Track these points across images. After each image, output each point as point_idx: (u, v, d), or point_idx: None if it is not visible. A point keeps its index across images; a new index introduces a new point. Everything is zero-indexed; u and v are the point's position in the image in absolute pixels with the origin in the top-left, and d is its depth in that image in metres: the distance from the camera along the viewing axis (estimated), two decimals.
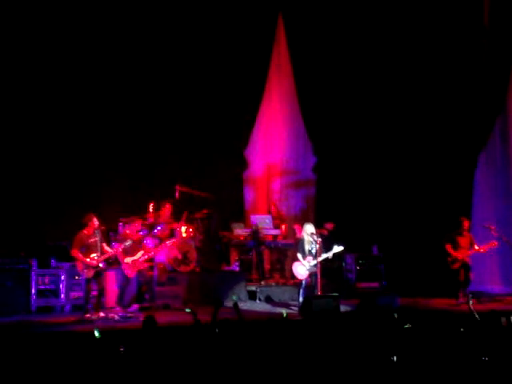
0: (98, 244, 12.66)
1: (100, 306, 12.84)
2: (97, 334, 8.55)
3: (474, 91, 16.38)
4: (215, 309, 9.01)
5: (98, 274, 12.73)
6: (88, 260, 12.51)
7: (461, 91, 16.32)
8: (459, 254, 14.59)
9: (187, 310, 8.86)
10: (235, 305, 9.23)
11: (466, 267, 14.67)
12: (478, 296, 14.62)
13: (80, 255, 12.53)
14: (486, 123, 16.58)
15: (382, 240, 16.11)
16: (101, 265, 12.64)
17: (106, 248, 12.84)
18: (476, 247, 14.70)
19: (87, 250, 12.59)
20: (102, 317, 12.47)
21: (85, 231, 12.65)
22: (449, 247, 14.68)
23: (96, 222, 12.67)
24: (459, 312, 11.70)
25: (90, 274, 12.60)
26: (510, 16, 16.13)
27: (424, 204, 16.38)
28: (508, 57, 16.33)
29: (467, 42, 16.23)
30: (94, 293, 12.94)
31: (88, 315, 12.42)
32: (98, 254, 12.60)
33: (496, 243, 14.71)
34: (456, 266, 14.64)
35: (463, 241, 14.70)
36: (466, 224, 14.80)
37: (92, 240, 12.62)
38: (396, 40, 16.35)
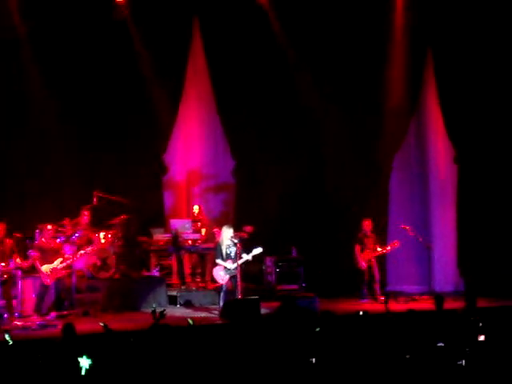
0: (5, 253, 12.53)
1: (11, 314, 12.67)
2: (8, 338, 8.41)
3: (388, 93, 16.71)
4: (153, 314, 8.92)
5: (4, 283, 12.50)
6: None
7: (377, 92, 16.62)
8: (365, 255, 15.00)
9: (101, 324, 8.77)
10: (153, 311, 9.18)
11: (371, 268, 15.08)
12: (396, 296, 14.99)
13: None
14: (400, 125, 16.91)
15: (300, 242, 16.26)
16: (5, 276, 12.45)
17: (17, 260, 12.68)
18: (378, 249, 15.17)
19: None
20: (17, 326, 12.29)
21: None
22: (357, 249, 15.11)
23: (1, 231, 12.57)
24: (376, 312, 11.85)
25: None
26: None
27: (341, 206, 16.61)
28: (422, 56, 16.67)
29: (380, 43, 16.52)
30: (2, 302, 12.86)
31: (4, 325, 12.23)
32: (4, 264, 12.42)
33: (398, 243, 15.18)
34: (362, 266, 15.06)
35: (369, 241, 15.15)
36: (367, 225, 15.22)
37: None
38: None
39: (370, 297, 15.04)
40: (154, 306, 10.18)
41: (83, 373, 7.42)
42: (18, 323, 12.36)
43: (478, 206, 16.33)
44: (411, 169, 17.19)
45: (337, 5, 16.29)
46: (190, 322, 9.56)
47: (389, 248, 15.30)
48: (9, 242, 12.76)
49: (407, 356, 7.62)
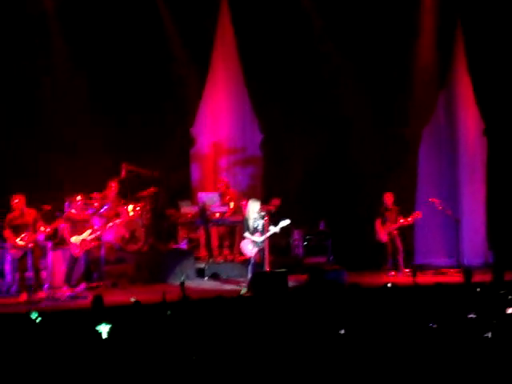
0: (29, 224, 12.64)
1: (39, 285, 12.82)
2: (34, 316, 8.48)
3: (418, 67, 16.56)
4: (182, 286, 8.97)
5: (30, 254, 12.65)
6: (17, 241, 12.56)
7: (406, 66, 16.47)
8: (386, 228, 14.96)
9: (132, 300, 8.84)
10: (182, 284, 9.24)
11: (393, 241, 15.05)
12: (424, 268, 14.96)
13: (8, 236, 12.67)
14: (429, 98, 16.76)
15: (328, 215, 16.24)
16: (30, 245, 12.57)
17: (41, 228, 12.77)
18: (401, 220, 15.11)
19: (15, 230, 12.66)
20: (43, 297, 12.43)
21: (13, 212, 12.76)
22: (378, 223, 15.08)
23: (17, 201, 12.69)
24: (404, 284, 11.82)
25: (18, 254, 12.67)
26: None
27: (369, 179, 16.55)
28: (452, 28, 16.49)
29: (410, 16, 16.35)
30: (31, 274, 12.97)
31: (24, 297, 12.40)
32: (28, 235, 12.54)
33: (420, 213, 15.14)
34: (384, 239, 15.05)
35: (390, 215, 15.12)
36: (388, 198, 15.18)
37: (19, 221, 12.67)
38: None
39: (394, 269, 15.01)
40: (182, 278, 10.22)
41: (104, 337, 7.52)
42: (43, 295, 12.51)
43: (508, 178, 16.21)
44: (440, 142, 17.06)
45: None
46: (243, 291, 9.52)
47: (410, 219, 15.22)
48: (31, 212, 12.85)
49: (434, 325, 7.60)
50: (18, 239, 12.58)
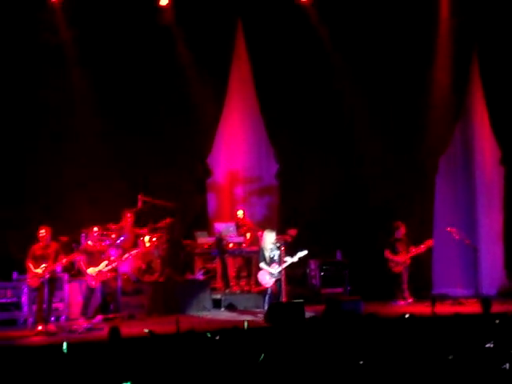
0: (50, 255, 12.68)
1: (48, 316, 12.80)
2: (65, 347, 8.48)
3: (434, 96, 16.56)
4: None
5: (47, 285, 12.64)
6: (36, 270, 12.58)
7: (422, 95, 16.47)
8: (400, 258, 14.91)
9: (146, 331, 8.84)
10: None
11: (406, 270, 15.00)
12: (442, 299, 14.85)
13: (30, 265, 12.68)
14: (446, 128, 16.74)
15: (345, 245, 16.19)
16: (47, 275, 12.58)
17: (63, 260, 12.82)
18: (413, 249, 15.05)
19: (36, 261, 12.68)
20: (54, 329, 12.43)
21: (37, 243, 12.80)
22: (387, 253, 15.03)
23: (43, 233, 12.74)
24: (422, 315, 11.71)
25: (35, 283, 12.65)
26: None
27: (386, 209, 16.50)
28: (467, 58, 16.50)
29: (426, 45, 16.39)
30: (55, 305, 13.13)
31: (40, 327, 12.37)
32: (48, 265, 12.58)
33: (432, 241, 15.07)
34: (398, 269, 15.00)
35: (401, 245, 15.09)
36: (402, 229, 15.13)
37: (41, 252, 12.72)
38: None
39: (400, 299, 14.94)
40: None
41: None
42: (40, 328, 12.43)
43: None
44: (457, 171, 17.01)
45: (381, 5, 16.17)
46: (246, 324, 9.47)
47: (423, 247, 15.16)
48: (54, 245, 12.92)
49: (450, 357, 7.53)
50: (38, 269, 12.61)
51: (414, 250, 15.15)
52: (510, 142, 16.38)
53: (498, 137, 16.49)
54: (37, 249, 12.77)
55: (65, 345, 8.51)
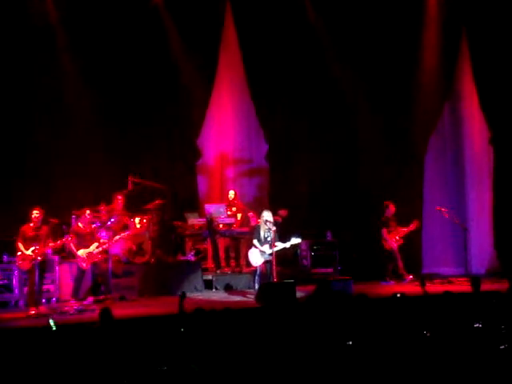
0: (41, 238, 12.64)
1: (39, 299, 12.77)
2: (52, 324, 8.49)
3: (422, 76, 16.57)
4: (181, 300, 8.98)
5: (38, 267, 12.60)
6: (26, 252, 12.53)
7: (411, 76, 16.47)
8: (393, 237, 14.98)
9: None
10: (181, 297, 9.22)
11: (399, 249, 15.09)
12: (431, 278, 14.92)
13: (20, 247, 12.62)
14: (435, 108, 16.76)
15: (335, 226, 16.22)
16: (39, 258, 12.56)
17: (50, 244, 12.79)
18: (402, 229, 15.13)
19: (27, 242, 12.61)
20: (45, 311, 12.43)
21: (28, 224, 12.71)
22: (385, 232, 15.09)
23: (37, 214, 12.67)
24: (412, 294, 11.77)
25: (26, 266, 12.59)
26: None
27: (376, 189, 16.54)
28: (456, 38, 16.50)
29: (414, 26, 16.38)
30: (46, 286, 13.16)
31: (33, 311, 12.34)
32: (39, 248, 12.56)
33: (417, 222, 15.09)
34: (391, 247, 15.05)
35: (392, 224, 15.13)
36: (392, 208, 15.18)
37: (33, 233, 12.66)
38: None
39: (395, 278, 15.01)
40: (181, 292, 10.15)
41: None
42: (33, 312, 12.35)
43: None
44: (446, 151, 17.07)
45: None
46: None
47: (411, 227, 15.23)
48: (45, 227, 12.88)
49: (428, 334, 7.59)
50: (29, 251, 12.58)
51: (404, 230, 15.22)
52: (499, 122, 16.40)
53: (487, 117, 16.52)
54: (28, 230, 12.70)
55: (51, 322, 8.53)
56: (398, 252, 15.19)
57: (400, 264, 15.16)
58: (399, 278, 15.03)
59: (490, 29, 16.03)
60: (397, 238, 15.18)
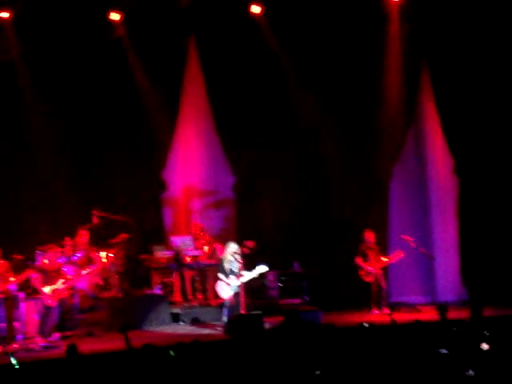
0: (1, 275, 12.56)
1: (13, 336, 12.66)
2: (14, 362, 8.39)
3: (386, 105, 16.74)
4: (125, 334, 8.92)
5: (3, 304, 12.53)
6: None
7: (375, 104, 16.65)
8: (371, 267, 14.98)
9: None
10: (124, 331, 9.17)
11: (378, 279, 15.04)
12: (399, 307, 14.96)
13: None
14: (399, 136, 16.90)
15: (302, 257, 16.24)
16: (1, 296, 12.48)
17: (11, 278, 12.68)
18: (383, 259, 15.13)
19: None
20: (17, 348, 12.25)
21: None
22: (359, 260, 15.09)
23: None
24: (381, 324, 11.78)
25: None
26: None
27: (342, 218, 16.61)
28: (418, 66, 16.70)
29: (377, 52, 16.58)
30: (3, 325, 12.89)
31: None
32: None
33: (401, 252, 15.11)
34: (370, 278, 15.04)
35: (372, 253, 15.13)
36: (370, 236, 15.20)
37: None
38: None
39: (379, 308, 14.95)
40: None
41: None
42: (16, 346, 12.28)
43: (479, 215, 16.29)
44: (411, 179, 17.16)
45: (331, 16, 16.31)
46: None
47: (393, 258, 15.23)
48: (4, 263, 12.77)
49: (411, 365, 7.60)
50: None
51: (385, 261, 15.20)
52: (462, 151, 16.56)
53: (451, 146, 16.68)
54: None
55: (13, 359, 8.44)
56: (378, 283, 15.11)
57: (383, 295, 15.07)
58: (380, 308, 14.92)
59: (451, 59, 16.23)
60: (377, 268, 15.10)
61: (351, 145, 16.74)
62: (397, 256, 15.20)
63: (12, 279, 12.64)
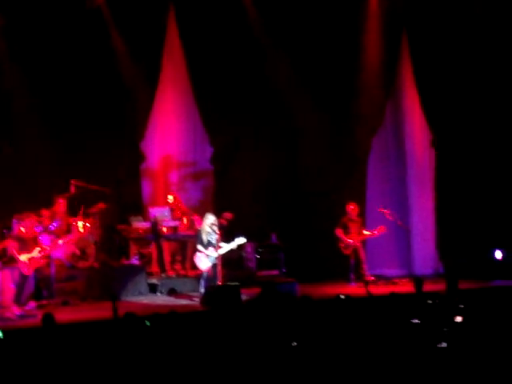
0: None
1: None
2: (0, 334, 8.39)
3: (364, 76, 16.72)
4: (113, 303, 8.96)
5: None
6: None
7: (353, 76, 16.61)
8: (351, 239, 15.04)
9: None
10: (113, 300, 9.22)
11: (357, 252, 15.12)
12: (376, 279, 15.06)
13: None
14: (377, 109, 16.90)
15: (280, 228, 16.27)
16: None
17: None
18: (365, 232, 15.19)
19: None
20: None
21: None
22: (339, 232, 15.15)
23: None
24: (357, 295, 11.85)
25: None
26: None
27: (320, 191, 16.63)
28: (397, 37, 16.66)
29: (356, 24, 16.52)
30: None
31: None
32: None
33: (384, 228, 15.18)
34: (348, 251, 15.13)
35: (353, 226, 15.16)
36: (353, 209, 15.24)
37: None
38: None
39: (357, 280, 15.02)
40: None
41: None
42: None
43: (456, 188, 16.38)
44: (388, 153, 17.20)
45: None
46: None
47: (376, 233, 15.28)
48: None
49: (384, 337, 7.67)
50: None
51: (367, 234, 15.25)
52: (440, 123, 16.60)
53: (428, 118, 16.71)
54: None
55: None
56: (358, 255, 15.17)
57: (363, 266, 15.14)
58: (361, 280, 14.94)
59: (430, 29, 16.18)
60: (357, 241, 15.15)
61: (329, 118, 16.70)
62: (380, 231, 15.25)
63: None
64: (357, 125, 16.68)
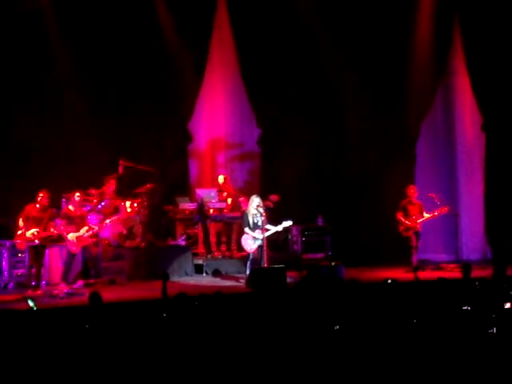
0: (44, 220, 12.76)
1: (37, 282, 12.88)
2: (32, 305, 8.48)
3: (415, 61, 16.51)
4: (163, 283, 9.01)
5: (34, 251, 12.78)
6: (27, 233, 12.69)
7: (404, 61, 16.42)
8: (411, 222, 14.83)
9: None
10: (164, 279, 9.27)
11: (417, 234, 14.92)
12: (423, 264, 14.89)
13: (21, 225, 12.77)
14: (427, 93, 16.70)
15: (327, 211, 16.19)
16: (36, 241, 12.70)
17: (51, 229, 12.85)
18: (426, 214, 14.96)
19: (29, 222, 12.73)
20: (41, 294, 12.44)
21: (34, 204, 12.84)
22: (400, 215, 14.90)
23: (42, 196, 12.80)
24: (404, 280, 11.75)
25: (22, 246, 12.83)
26: None
27: (368, 174, 16.51)
28: (449, 21, 16.42)
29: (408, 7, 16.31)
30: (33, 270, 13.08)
31: (29, 292, 12.36)
32: (38, 231, 12.62)
33: (446, 208, 14.93)
34: (409, 233, 14.88)
35: (413, 209, 14.94)
36: (413, 192, 15.01)
37: (37, 214, 12.75)
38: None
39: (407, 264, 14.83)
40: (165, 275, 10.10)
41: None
42: (40, 292, 12.53)
43: (506, 173, 16.17)
44: (438, 136, 17.02)
45: None
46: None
47: (436, 213, 15.01)
48: (50, 211, 12.93)
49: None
50: (29, 232, 12.64)
51: (428, 216, 15.01)
52: (491, 108, 16.37)
53: (480, 103, 16.48)
54: (33, 210, 12.84)
55: (30, 302, 8.54)
56: (414, 238, 14.96)
57: (412, 250, 14.93)
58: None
59: (483, 14, 15.96)
60: (418, 223, 14.93)
61: (379, 100, 16.53)
62: (441, 211, 14.96)
63: (52, 230, 12.78)
64: (407, 108, 16.51)
